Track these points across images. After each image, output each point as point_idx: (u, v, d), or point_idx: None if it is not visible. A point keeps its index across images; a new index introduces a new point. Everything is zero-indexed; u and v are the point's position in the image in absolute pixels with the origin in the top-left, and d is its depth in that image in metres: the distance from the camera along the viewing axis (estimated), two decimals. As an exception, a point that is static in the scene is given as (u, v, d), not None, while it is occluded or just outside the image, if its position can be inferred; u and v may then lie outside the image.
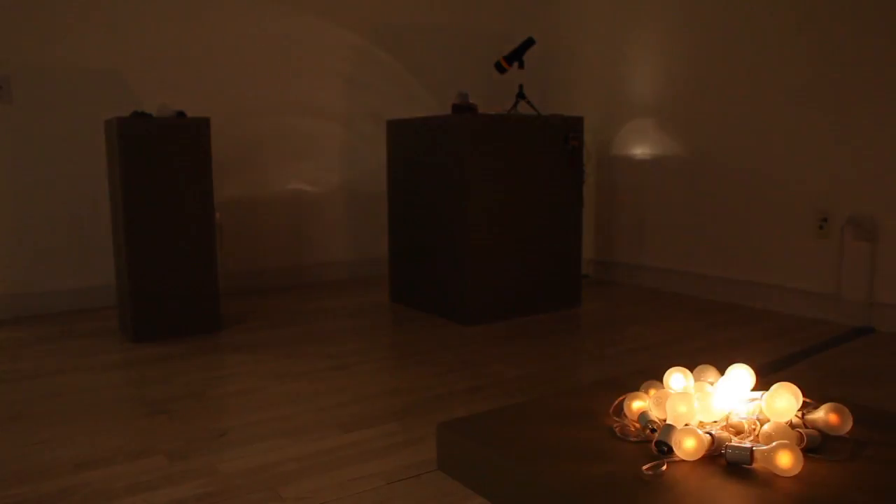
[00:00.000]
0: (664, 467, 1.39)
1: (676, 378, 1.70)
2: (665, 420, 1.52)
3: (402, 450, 1.76)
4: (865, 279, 2.90)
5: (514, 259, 3.10)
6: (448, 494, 1.53)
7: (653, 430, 1.51)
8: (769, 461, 1.35)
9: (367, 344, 2.74)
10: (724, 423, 1.53)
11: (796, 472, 1.34)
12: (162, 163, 2.73)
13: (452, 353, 2.61)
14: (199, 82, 3.58)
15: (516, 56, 3.37)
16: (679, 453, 1.41)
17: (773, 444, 1.37)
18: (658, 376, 1.76)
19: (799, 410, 1.56)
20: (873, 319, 2.89)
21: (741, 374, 1.66)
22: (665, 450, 1.43)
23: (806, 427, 1.52)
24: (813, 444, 1.45)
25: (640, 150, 3.82)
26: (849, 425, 1.51)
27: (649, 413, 1.56)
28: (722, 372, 1.71)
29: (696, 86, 3.51)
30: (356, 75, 4.07)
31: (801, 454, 1.35)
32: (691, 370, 1.74)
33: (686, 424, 1.48)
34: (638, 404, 1.61)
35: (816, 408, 1.56)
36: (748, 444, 1.39)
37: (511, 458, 1.45)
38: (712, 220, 3.49)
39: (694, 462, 1.41)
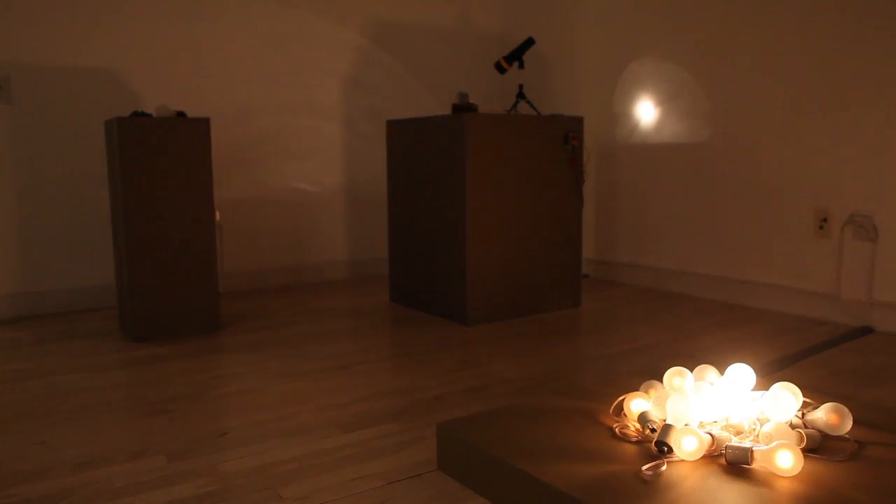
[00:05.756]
0: (664, 467, 1.39)
1: (676, 378, 1.70)
2: (665, 420, 1.52)
3: (402, 450, 1.75)
4: (865, 279, 2.90)
5: (514, 259, 3.10)
6: (448, 494, 1.53)
7: (653, 430, 1.51)
8: (769, 461, 1.35)
9: (367, 344, 2.74)
10: (724, 423, 1.53)
11: (796, 472, 1.34)
12: (162, 163, 2.73)
13: (452, 353, 2.61)
14: (199, 82, 3.59)
15: (516, 56, 3.37)
16: (679, 453, 1.41)
17: (773, 444, 1.37)
18: (658, 376, 1.76)
19: (799, 410, 1.56)
20: (873, 319, 2.89)
21: (741, 374, 1.66)
22: (665, 450, 1.43)
23: (806, 427, 1.52)
24: (813, 444, 1.45)
25: (640, 150, 3.82)
26: (849, 425, 1.51)
27: (649, 413, 1.56)
28: (722, 372, 1.71)
29: (696, 85, 3.50)
30: (356, 75, 4.07)
31: (801, 454, 1.35)
32: (691, 370, 1.74)
33: (686, 424, 1.48)
34: (638, 404, 1.61)
35: (816, 408, 1.56)
36: (748, 444, 1.39)
37: (511, 458, 1.45)
38: (712, 220, 3.49)
39: (694, 462, 1.41)
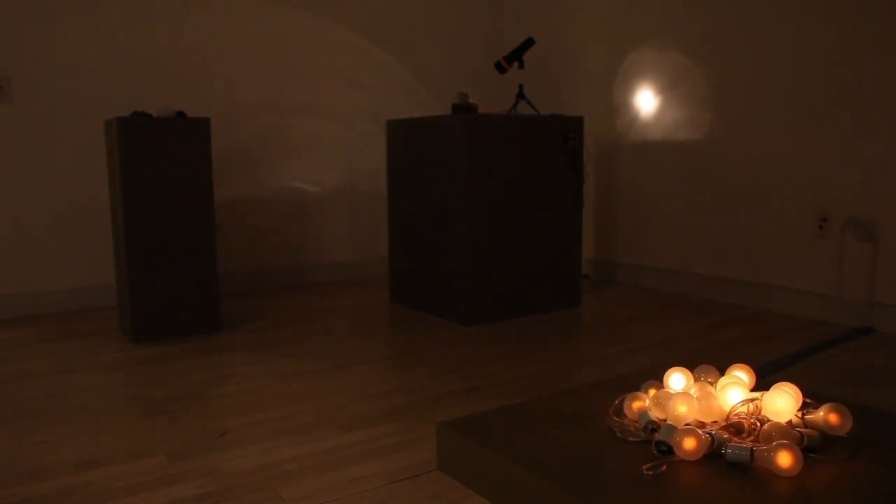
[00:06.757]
0: (664, 467, 1.39)
1: (676, 378, 1.70)
2: (665, 420, 1.52)
3: (402, 450, 1.76)
4: (865, 279, 2.90)
5: (514, 259, 3.10)
6: (448, 494, 1.53)
7: (653, 430, 1.51)
8: (769, 461, 1.35)
9: (367, 344, 2.74)
10: (724, 423, 1.53)
11: (796, 472, 1.34)
12: (162, 163, 2.73)
13: (452, 353, 2.61)
14: (199, 82, 3.58)
15: (516, 56, 3.37)
16: (679, 453, 1.41)
17: (773, 444, 1.37)
18: (658, 376, 1.76)
19: (799, 410, 1.56)
20: (873, 319, 2.89)
21: (741, 374, 1.66)
22: (665, 450, 1.43)
23: (806, 427, 1.52)
24: (813, 444, 1.45)
25: (640, 150, 3.82)
26: (849, 425, 1.51)
27: (649, 413, 1.56)
28: (722, 372, 1.71)
29: (695, 85, 3.51)
30: (356, 75, 4.07)
31: (801, 454, 1.34)
32: (691, 370, 1.74)
33: (686, 424, 1.48)
34: (638, 404, 1.61)
35: (816, 408, 1.56)
36: (748, 444, 1.39)
37: (511, 458, 1.45)
38: (712, 220, 3.49)
39: (694, 462, 1.41)
